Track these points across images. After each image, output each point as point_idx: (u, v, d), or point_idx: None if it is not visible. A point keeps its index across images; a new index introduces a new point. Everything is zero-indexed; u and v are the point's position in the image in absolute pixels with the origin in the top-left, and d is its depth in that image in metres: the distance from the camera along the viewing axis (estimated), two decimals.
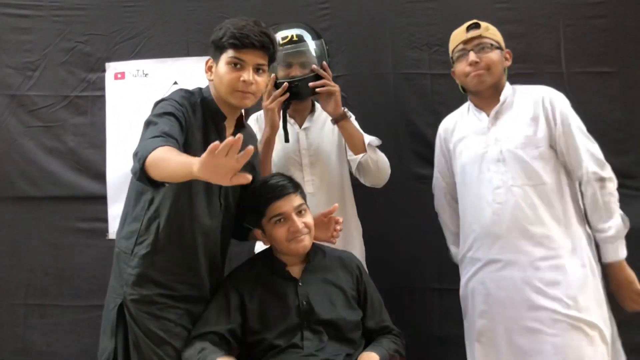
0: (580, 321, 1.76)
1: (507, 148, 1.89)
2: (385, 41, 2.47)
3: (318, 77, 2.03)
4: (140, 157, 1.47)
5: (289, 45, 2.03)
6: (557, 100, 1.89)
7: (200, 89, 1.81)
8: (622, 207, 2.32)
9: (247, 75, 1.70)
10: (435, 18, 2.43)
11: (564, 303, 1.77)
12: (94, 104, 2.57)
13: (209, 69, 1.77)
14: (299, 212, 1.81)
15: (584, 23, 2.40)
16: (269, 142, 2.02)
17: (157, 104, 1.72)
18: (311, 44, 2.06)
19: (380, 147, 2.26)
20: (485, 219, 1.91)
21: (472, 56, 1.90)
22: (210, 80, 1.77)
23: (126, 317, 1.70)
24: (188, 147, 1.66)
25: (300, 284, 1.82)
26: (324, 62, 2.03)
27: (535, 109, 1.89)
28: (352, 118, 2.14)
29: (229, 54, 1.70)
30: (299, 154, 2.12)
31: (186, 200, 1.73)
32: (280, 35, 2.03)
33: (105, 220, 2.52)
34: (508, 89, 1.97)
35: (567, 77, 2.39)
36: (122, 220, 1.80)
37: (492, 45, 1.92)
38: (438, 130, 2.14)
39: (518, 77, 2.23)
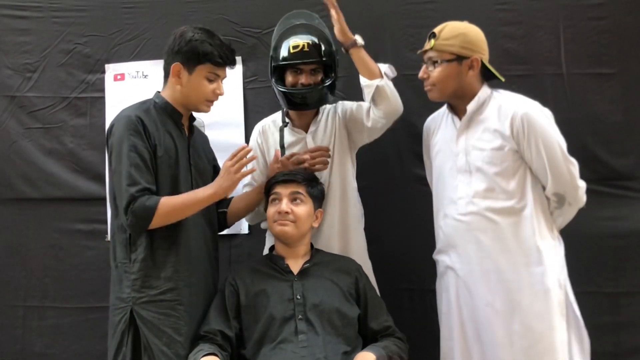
0: (522, 337, 1.76)
1: (473, 159, 1.86)
2: (385, 42, 2.47)
3: (325, 88, 2.03)
4: (144, 217, 1.69)
5: (300, 54, 2.01)
6: (531, 119, 1.79)
7: (151, 98, 1.89)
8: (622, 209, 2.34)
9: (221, 89, 1.84)
10: (435, 19, 2.39)
11: (508, 317, 1.78)
12: (93, 105, 2.57)
13: (177, 74, 1.82)
14: (294, 199, 1.91)
15: (583, 24, 2.39)
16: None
17: (113, 133, 1.80)
18: (322, 49, 2.04)
19: (380, 148, 2.26)
20: (447, 227, 1.94)
21: (420, 72, 1.92)
22: (176, 84, 1.83)
23: (136, 321, 1.74)
24: (162, 152, 1.79)
25: (296, 279, 1.86)
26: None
27: (505, 124, 1.81)
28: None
29: (208, 68, 1.81)
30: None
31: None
32: (292, 43, 2.02)
33: (104, 221, 2.51)
34: (483, 95, 1.88)
35: (567, 78, 2.39)
36: (112, 234, 1.85)
37: (437, 61, 1.86)
38: (423, 128, 2.13)
39: (518, 78, 2.24)
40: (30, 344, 2.54)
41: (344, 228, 2.12)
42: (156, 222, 1.72)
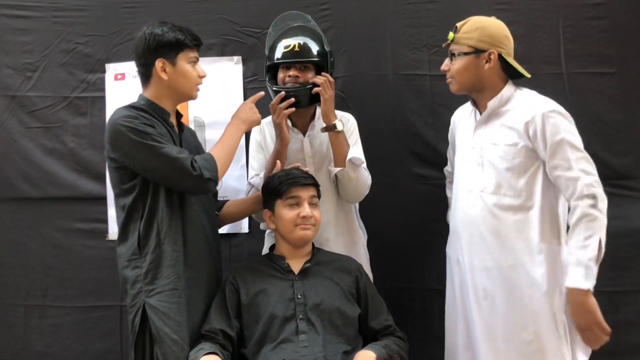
0: (513, 334, 1.78)
1: (486, 154, 1.87)
2: (384, 42, 2.47)
3: (314, 87, 2.03)
4: (211, 167, 1.77)
5: (290, 54, 2.04)
6: (551, 120, 1.77)
7: (136, 101, 1.87)
8: (621, 208, 2.34)
9: (202, 71, 1.87)
10: (435, 19, 2.43)
11: (505, 314, 1.79)
12: (93, 104, 2.57)
13: (162, 69, 1.81)
14: (312, 203, 1.91)
15: (583, 24, 2.39)
16: (280, 155, 2.04)
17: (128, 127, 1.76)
18: (314, 52, 2.06)
19: (380, 147, 2.26)
20: (456, 219, 1.96)
21: (443, 64, 1.94)
22: (163, 80, 1.82)
23: (147, 313, 1.74)
24: None
25: (297, 278, 1.86)
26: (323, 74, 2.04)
27: (523, 124, 1.80)
28: (354, 128, 2.15)
29: (187, 53, 1.83)
30: (303, 162, 2.10)
31: (170, 195, 1.81)
32: (284, 43, 2.06)
33: (105, 221, 2.51)
34: (506, 93, 1.88)
35: (566, 77, 2.39)
36: (120, 236, 1.84)
37: (456, 54, 1.88)
38: (451, 120, 2.15)
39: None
40: (30, 343, 2.54)
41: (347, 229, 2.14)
42: (221, 171, 1.81)
